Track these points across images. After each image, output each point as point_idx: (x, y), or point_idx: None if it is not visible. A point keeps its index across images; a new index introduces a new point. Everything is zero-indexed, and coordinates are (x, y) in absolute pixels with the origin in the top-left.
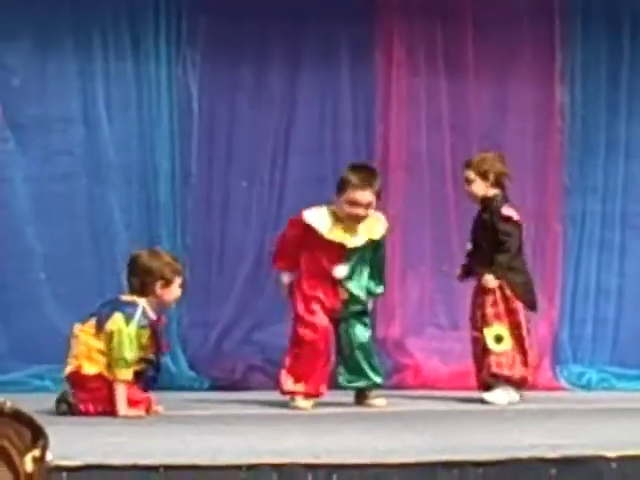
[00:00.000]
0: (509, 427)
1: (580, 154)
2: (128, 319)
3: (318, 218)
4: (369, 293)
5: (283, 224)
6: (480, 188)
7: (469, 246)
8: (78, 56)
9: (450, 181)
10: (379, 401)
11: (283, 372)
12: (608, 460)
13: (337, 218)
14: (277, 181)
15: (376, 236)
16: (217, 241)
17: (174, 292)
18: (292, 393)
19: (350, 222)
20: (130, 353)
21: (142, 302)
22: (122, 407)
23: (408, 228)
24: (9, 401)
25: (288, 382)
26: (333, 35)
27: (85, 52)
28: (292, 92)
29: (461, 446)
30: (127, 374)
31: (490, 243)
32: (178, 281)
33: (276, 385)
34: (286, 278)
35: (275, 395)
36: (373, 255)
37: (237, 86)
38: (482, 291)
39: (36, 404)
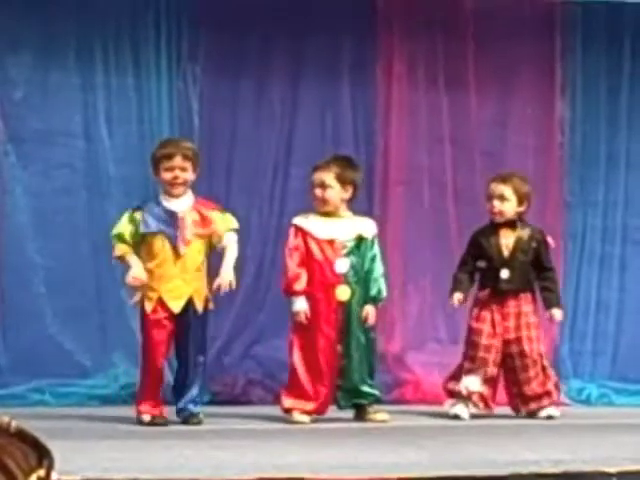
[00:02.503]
0: (510, 442)
1: (580, 168)
2: None
3: (307, 221)
4: (372, 298)
5: (283, 237)
6: (512, 208)
7: (482, 264)
8: (80, 70)
9: (450, 195)
10: (381, 415)
11: (283, 392)
12: (609, 475)
13: (322, 217)
14: (277, 195)
15: (367, 235)
16: (217, 254)
17: None
18: (291, 410)
19: (324, 212)
20: None
21: None
22: None
23: (408, 242)
24: (14, 421)
25: (287, 401)
26: (334, 49)
27: (87, 66)
28: (293, 106)
29: (462, 461)
30: None
31: (528, 266)
32: None
33: (276, 401)
34: (303, 304)
35: (276, 409)
36: (369, 257)
37: (238, 100)
38: (522, 316)
39: (37, 419)
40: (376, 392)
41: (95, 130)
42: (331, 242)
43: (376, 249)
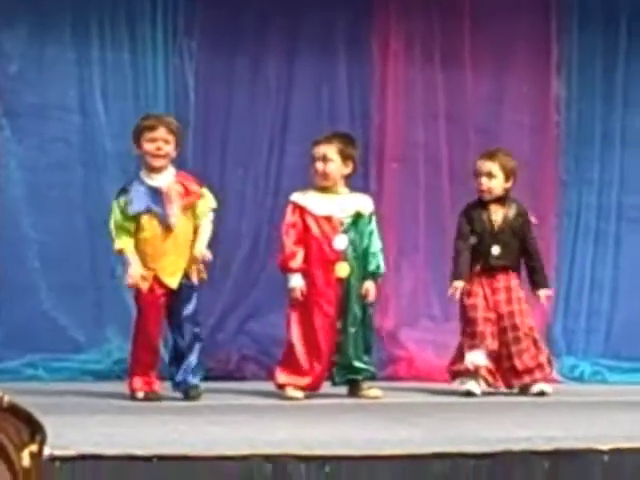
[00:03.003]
0: (502, 419)
1: (576, 147)
2: None
3: (305, 198)
4: (371, 274)
5: (279, 213)
6: (500, 184)
7: (473, 240)
8: (75, 45)
9: (446, 172)
10: (374, 392)
11: (278, 367)
12: (601, 453)
13: (320, 193)
14: (273, 171)
15: (364, 211)
16: (212, 230)
17: None
18: (284, 385)
19: (322, 188)
20: None
21: None
22: None
23: (403, 219)
24: (7, 396)
25: (282, 376)
26: (330, 26)
27: (82, 41)
28: (289, 82)
29: (454, 438)
30: None
31: (516, 242)
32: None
33: (270, 377)
34: (299, 281)
35: (269, 385)
36: (367, 233)
37: (234, 76)
38: (513, 290)
39: (30, 394)
40: (371, 368)
41: (91, 105)
42: (329, 219)
43: (373, 225)
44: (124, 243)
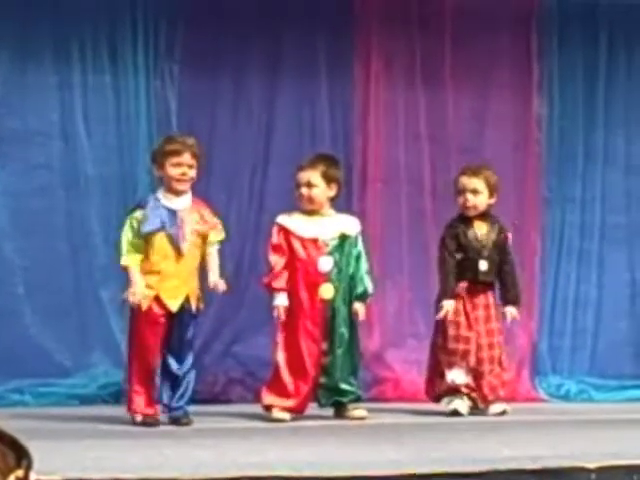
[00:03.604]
0: (489, 439)
1: (558, 165)
2: None
3: (291, 220)
4: (360, 295)
5: (262, 235)
6: (485, 201)
7: (459, 256)
8: (57, 69)
9: (428, 192)
10: (359, 412)
11: (264, 389)
12: (588, 471)
13: (306, 216)
14: (256, 192)
15: (350, 233)
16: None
17: None
18: (271, 407)
19: (308, 211)
20: None
21: None
22: None
23: (386, 239)
24: None
25: (268, 397)
26: (311, 47)
27: (64, 65)
28: (271, 103)
29: (441, 458)
30: None
31: (497, 260)
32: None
33: (256, 399)
34: (284, 300)
35: (256, 408)
36: (354, 254)
37: (216, 98)
38: (491, 307)
39: (16, 419)
40: (357, 391)
41: (73, 129)
42: (314, 241)
43: (360, 246)
44: (131, 260)
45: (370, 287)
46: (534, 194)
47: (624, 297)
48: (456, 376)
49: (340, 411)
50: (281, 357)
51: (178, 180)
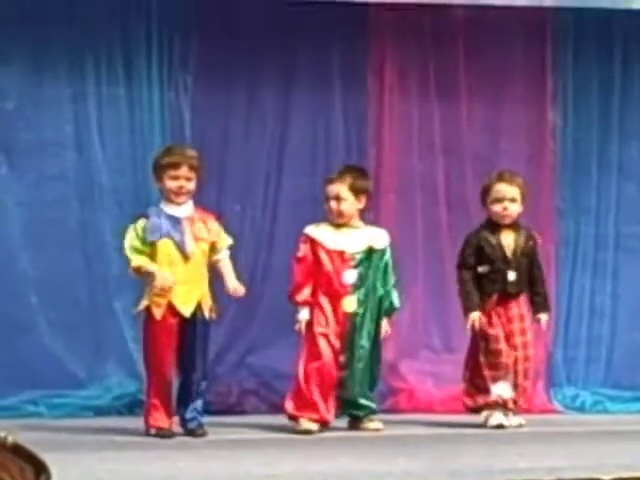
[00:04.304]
0: (504, 450)
1: (573, 176)
2: None
3: (318, 231)
4: (386, 312)
5: (276, 246)
6: (518, 209)
7: (484, 269)
8: (71, 81)
9: (443, 203)
10: (374, 424)
11: (289, 399)
12: None
13: (334, 228)
14: (270, 203)
15: (378, 246)
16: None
17: None
18: (297, 417)
19: (337, 223)
20: None
21: None
22: None
23: (400, 250)
24: (10, 436)
25: (293, 408)
26: (326, 58)
27: (78, 76)
28: (285, 115)
29: (457, 470)
30: None
31: (526, 268)
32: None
33: (271, 411)
34: (306, 314)
35: (270, 419)
36: (381, 268)
37: (229, 109)
38: (525, 319)
39: (30, 430)
40: (373, 405)
41: (87, 141)
42: (341, 253)
43: (387, 259)
44: (141, 260)
45: (396, 301)
46: (548, 205)
47: (639, 308)
48: (503, 391)
49: (355, 423)
50: (303, 368)
51: (176, 193)
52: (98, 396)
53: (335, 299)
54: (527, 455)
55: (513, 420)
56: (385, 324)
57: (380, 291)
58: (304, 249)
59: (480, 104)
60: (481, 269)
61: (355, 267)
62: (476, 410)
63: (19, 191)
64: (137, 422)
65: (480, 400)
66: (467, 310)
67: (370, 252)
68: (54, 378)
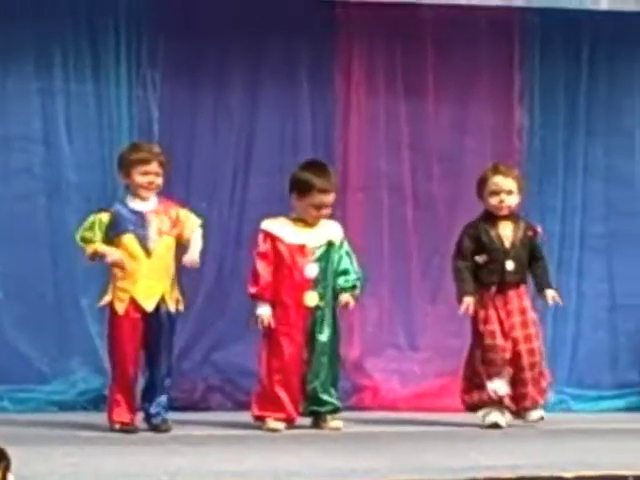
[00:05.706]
0: (466, 448)
1: (539, 174)
2: None
3: (276, 225)
4: (342, 289)
5: (243, 243)
6: (516, 200)
7: (482, 259)
8: (39, 75)
9: (409, 201)
10: (335, 423)
11: (254, 399)
12: None
13: (295, 223)
14: (237, 201)
15: (335, 239)
16: (177, 260)
17: None
18: (263, 417)
19: (294, 217)
20: None
21: None
22: None
23: (366, 248)
24: None
25: (259, 408)
26: (293, 56)
27: (46, 72)
28: (252, 113)
29: (419, 467)
30: None
31: (526, 257)
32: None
33: (235, 407)
34: (266, 310)
35: (235, 416)
36: (338, 257)
37: (197, 107)
38: (527, 312)
39: None
40: (336, 402)
41: (54, 136)
42: (301, 247)
43: (345, 248)
44: (94, 246)
45: (360, 277)
46: None
47: (603, 307)
48: (498, 387)
49: (317, 421)
50: (266, 365)
51: (146, 188)
52: (63, 391)
53: (297, 294)
54: (489, 453)
55: (533, 414)
56: (350, 298)
57: (341, 273)
58: (264, 244)
59: (447, 103)
60: (479, 258)
61: (316, 261)
62: (473, 408)
63: None
64: (102, 418)
65: (475, 396)
66: (461, 295)
67: (329, 245)
68: (19, 373)
